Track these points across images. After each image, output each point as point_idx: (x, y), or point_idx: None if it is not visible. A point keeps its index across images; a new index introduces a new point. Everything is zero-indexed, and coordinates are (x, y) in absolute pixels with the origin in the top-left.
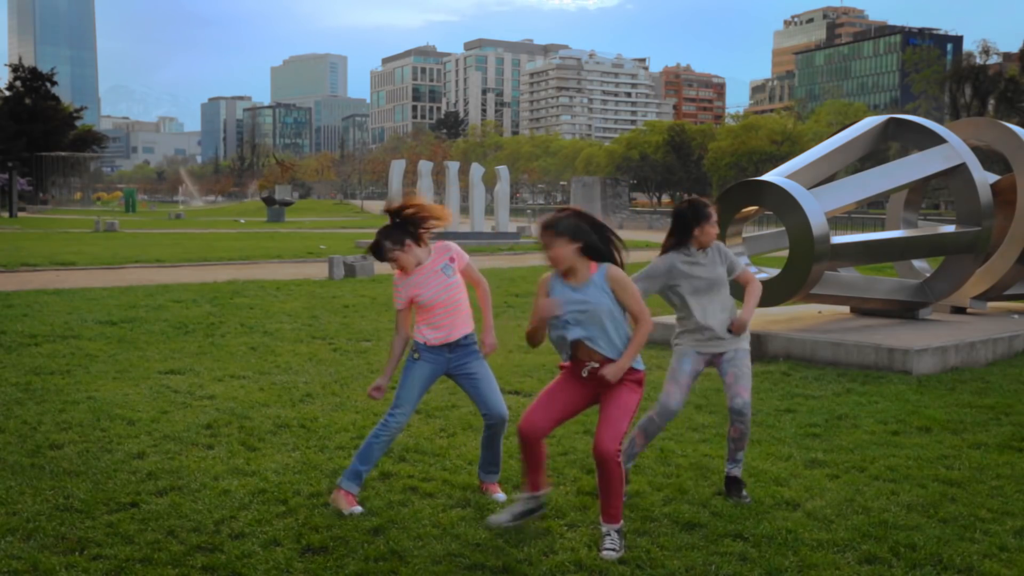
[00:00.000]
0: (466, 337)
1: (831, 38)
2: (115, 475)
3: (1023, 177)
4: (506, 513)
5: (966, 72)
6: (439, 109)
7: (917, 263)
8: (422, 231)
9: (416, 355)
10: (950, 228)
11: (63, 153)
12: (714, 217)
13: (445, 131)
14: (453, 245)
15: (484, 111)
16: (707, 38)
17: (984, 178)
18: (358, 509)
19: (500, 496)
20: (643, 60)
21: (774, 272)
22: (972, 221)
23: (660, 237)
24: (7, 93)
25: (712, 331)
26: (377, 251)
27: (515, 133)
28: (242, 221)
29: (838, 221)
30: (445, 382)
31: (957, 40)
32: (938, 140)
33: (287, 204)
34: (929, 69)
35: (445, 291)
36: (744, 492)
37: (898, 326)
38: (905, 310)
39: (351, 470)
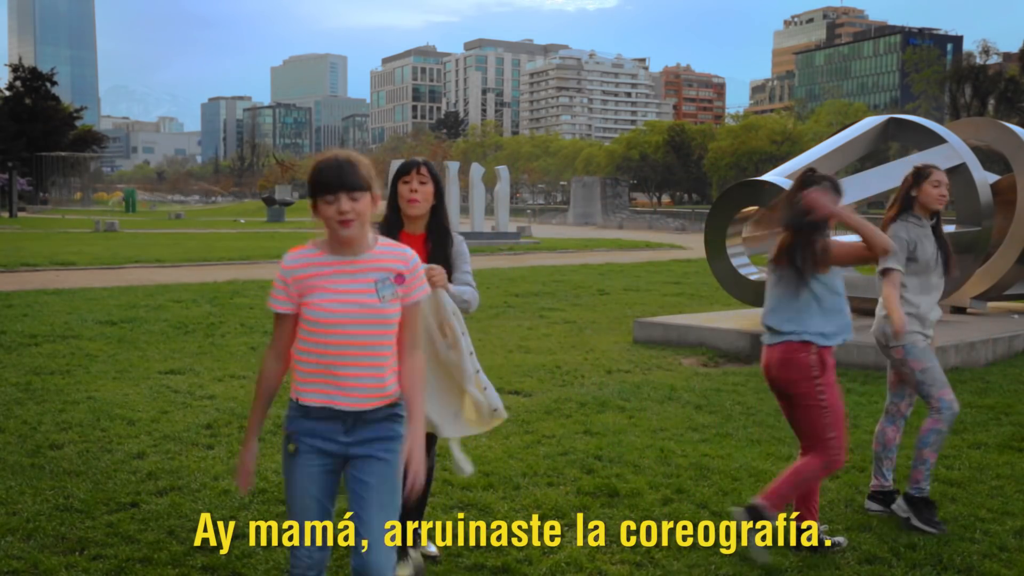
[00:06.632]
0: (376, 411)
1: (831, 38)
2: (115, 475)
3: (1023, 177)
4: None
5: (966, 72)
6: (439, 109)
7: None
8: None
9: (292, 446)
10: (950, 228)
11: (63, 153)
12: (936, 176)
13: (445, 131)
14: (413, 257)
15: (484, 111)
16: (707, 38)
17: (984, 178)
18: None
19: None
20: (643, 60)
21: None
22: (972, 221)
23: (660, 237)
24: (7, 93)
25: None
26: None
27: (515, 133)
28: (242, 221)
29: None
30: None
31: (957, 40)
32: (938, 140)
33: (287, 204)
34: (929, 69)
35: (357, 315)
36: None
37: None
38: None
39: None
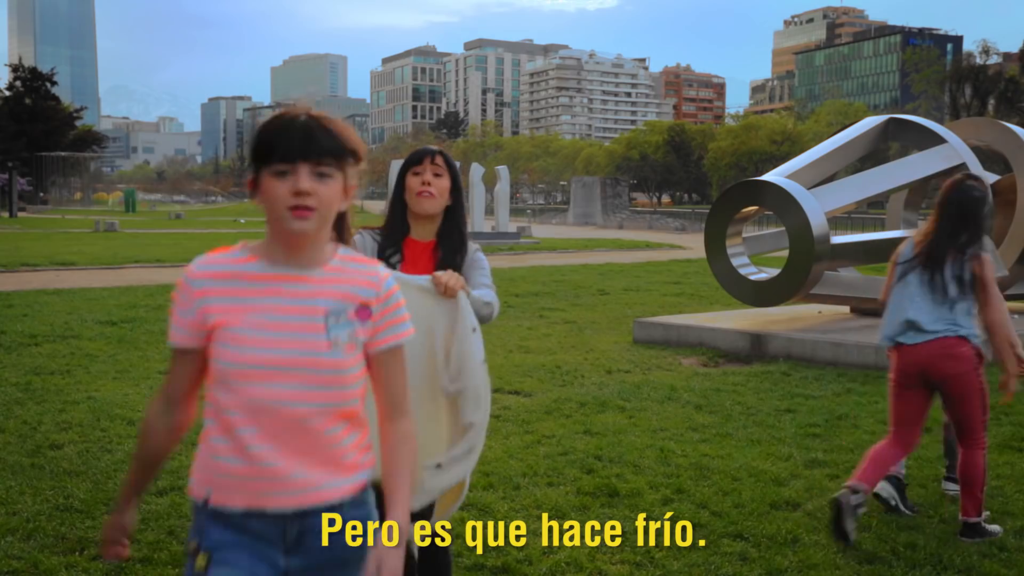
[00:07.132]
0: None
1: (831, 38)
2: (115, 475)
3: (1023, 177)
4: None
5: (966, 72)
6: (439, 109)
7: None
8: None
9: (201, 557)
10: None
11: (63, 153)
12: None
13: (445, 131)
14: (386, 278)
15: (484, 111)
16: (707, 38)
17: (984, 178)
18: None
19: None
20: (643, 60)
21: (774, 272)
22: None
23: (660, 237)
24: (7, 93)
25: None
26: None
27: (515, 133)
28: (242, 221)
29: (838, 221)
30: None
31: (957, 40)
32: (938, 140)
33: None
34: (929, 69)
35: (295, 366)
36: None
37: None
38: None
39: None
